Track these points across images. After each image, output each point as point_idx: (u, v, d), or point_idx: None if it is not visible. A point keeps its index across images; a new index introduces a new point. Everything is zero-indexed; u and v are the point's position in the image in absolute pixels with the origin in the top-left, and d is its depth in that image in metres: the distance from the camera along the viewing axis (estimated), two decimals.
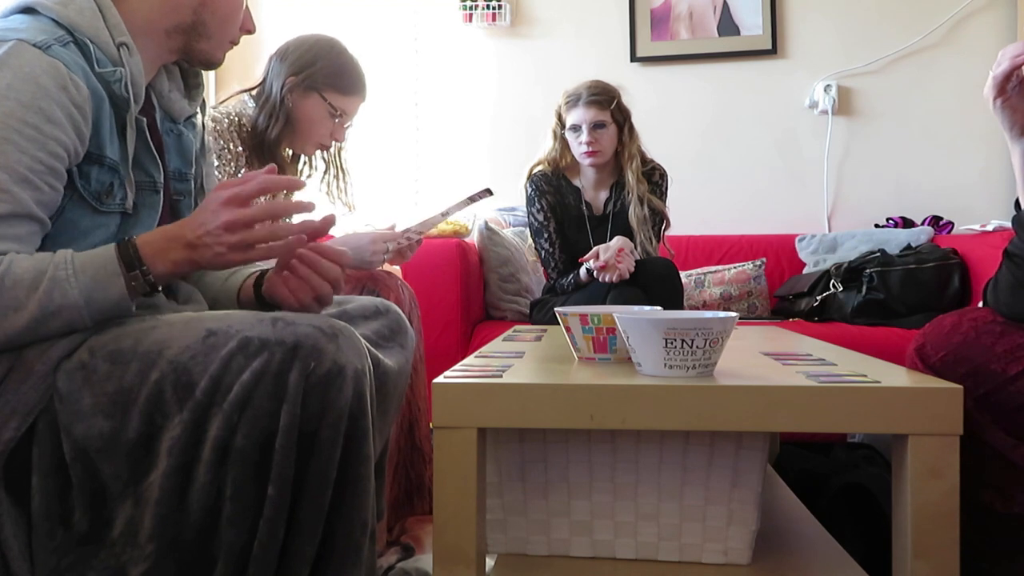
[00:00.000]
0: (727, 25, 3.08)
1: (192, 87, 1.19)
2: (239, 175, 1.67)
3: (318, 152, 1.84)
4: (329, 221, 1.03)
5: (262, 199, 1.25)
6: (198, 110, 1.21)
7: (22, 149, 0.89)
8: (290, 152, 1.80)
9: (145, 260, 0.92)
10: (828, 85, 2.99)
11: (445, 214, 1.76)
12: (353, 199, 1.90)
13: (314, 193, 1.89)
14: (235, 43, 1.16)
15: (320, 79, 1.69)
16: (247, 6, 1.16)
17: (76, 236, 0.98)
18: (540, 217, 2.30)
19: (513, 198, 2.81)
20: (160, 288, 0.97)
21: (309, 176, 1.88)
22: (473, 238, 2.59)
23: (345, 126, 1.77)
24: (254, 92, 1.75)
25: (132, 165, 1.03)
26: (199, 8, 1.08)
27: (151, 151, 1.07)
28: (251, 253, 0.95)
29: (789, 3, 3.06)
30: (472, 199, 1.75)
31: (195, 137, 1.20)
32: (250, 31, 1.17)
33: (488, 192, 1.76)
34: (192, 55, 1.12)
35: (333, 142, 1.78)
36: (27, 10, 0.98)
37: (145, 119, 1.05)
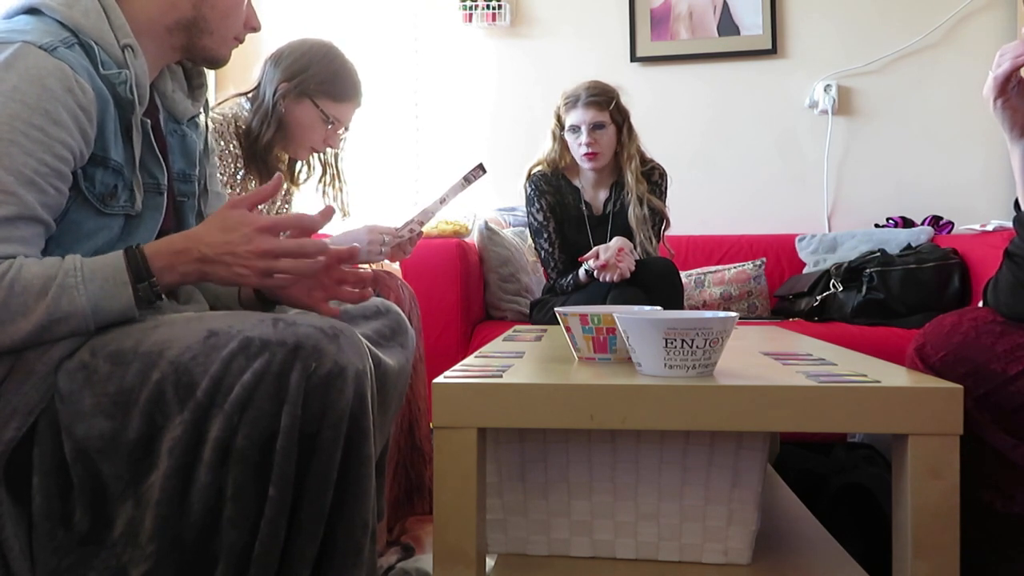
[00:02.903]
0: (727, 25, 3.08)
1: (195, 87, 1.19)
2: (238, 176, 1.68)
3: (316, 155, 1.84)
4: (327, 213, 1.03)
5: (263, 208, 1.26)
6: (201, 110, 1.21)
7: (28, 151, 0.89)
8: (286, 157, 1.80)
9: (154, 272, 0.93)
10: (828, 85, 2.99)
11: (443, 200, 1.75)
12: (349, 204, 1.90)
13: (310, 196, 1.89)
14: (240, 40, 1.15)
15: (313, 85, 1.69)
16: (250, 2, 1.15)
17: (79, 238, 0.98)
18: (540, 217, 2.31)
19: (513, 198, 2.81)
20: (164, 296, 0.97)
21: (306, 179, 1.88)
22: (473, 238, 2.59)
23: (339, 132, 1.76)
24: (249, 95, 1.74)
25: (138, 167, 1.03)
26: (199, 3, 1.07)
27: (155, 153, 1.06)
28: (268, 281, 0.97)
29: (789, 3, 3.06)
30: (467, 179, 1.72)
31: (199, 138, 1.19)
32: (255, 28, 1.16)
33: (482, 169, 1.73)
34: (195, 52, 1.11)
35: (327, 147, 1.78)
36: (31, 11, 0.98)
37: (149, 120, 1.05)
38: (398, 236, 1.75)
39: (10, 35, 0.92)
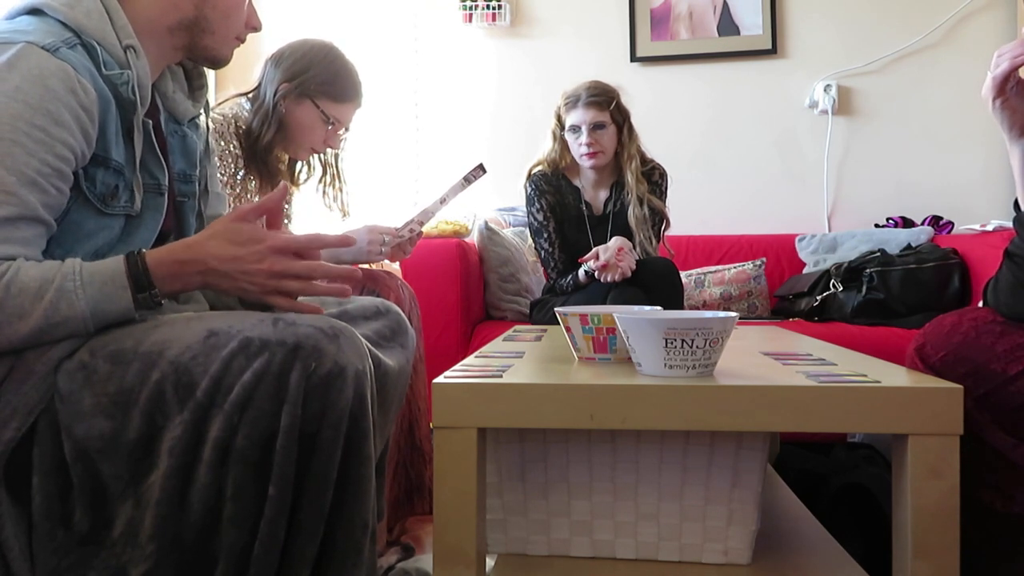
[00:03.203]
0: (727, 25, 3.08)
1: (196, 88, 1.19)
2: (238, 177, 1.67)
3: (316, 156, 1.84)
4: (347, 241, 1.04)
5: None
6: (202, 111, 1.21)
7: (30, 152, 0.89)
8: (286, 157, 1.81)
9: (155, 282, 0.93)
10: (828, 85, 2.99)
11: (443, 200, 1.74)
12: (348, 205, 1.90)
13: (310, 196, 1.89)
14: (241, 40, 1.15)
15: (313, 86, 1.69)
16: (251, 2, 1.15)
17: (80, 238, 0.98)
18: (540, 217, 2.31)
19: (513, 198, 2.81)
20: (163, 302, 0.97)
21: (306, 180, 1.88)
22: (473, 238, 2.59)
23: (339, 133, 1.76)
24: (250, 96, 1.74)
25: (138, 168, 1.03)
26: (200, 4, 1.07)
27: (156, 153, 1.07)
28: (273, 298, 0.98)
29: (789, 3, 3.06)
30: (467, 179, 1.72)
31: (199, 138, 1.19)
32: (256, 28, 1.16)
33: (482, 169, 1.72)
34: (197, 53, 1.11)
35: (328, 148, 1.78)
36: (34, 11, 0.98)
37: (150, 121, 1.05)
38: (398, 236, 1.75)
39: (13, 35, 0.92)
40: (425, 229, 1.86)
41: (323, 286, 1.02)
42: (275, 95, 1.68)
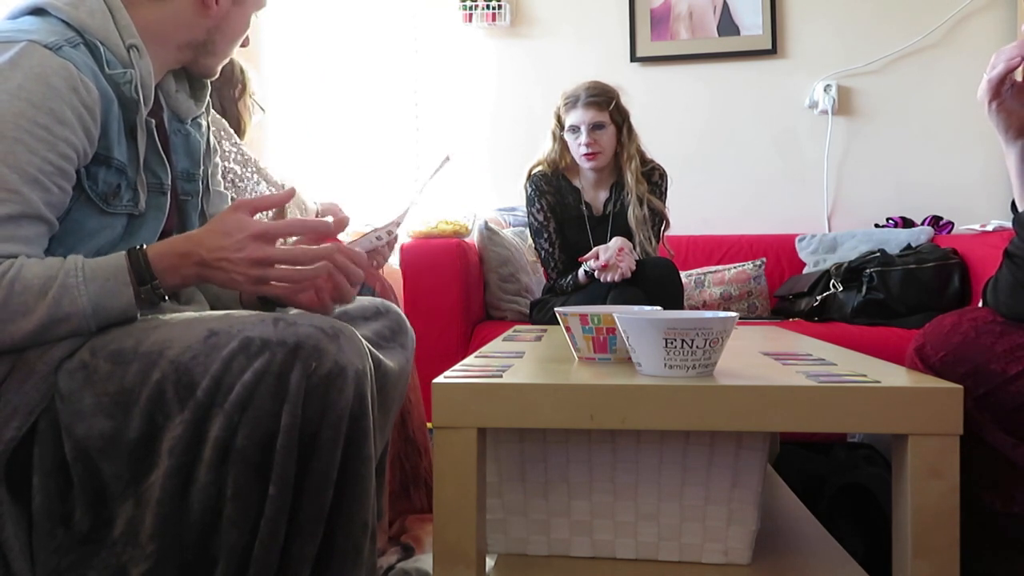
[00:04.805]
0: (727, 25, 3.08)
1: (198, 88, 1.20)
2: None
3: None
4: (342, 223, 1.03)
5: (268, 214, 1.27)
6: (204, 110, 1.21)
7: (32, 150, 0.89)
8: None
9: (156, 275, 0.93)
10: (828, 85, 2.99)
11: (413, 201, 1.72)
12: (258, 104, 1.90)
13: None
14: (230, 57, 1.20)
15: None
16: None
17: (82, 237, 0.98)
18: (540, 217, 2.31)
19: (513, 198, 2.82)
20: (167, 298, 0.97)
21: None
22: (473, 238, 2.59)
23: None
24: None
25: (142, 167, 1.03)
26: (213, 29, 1.10)
27: (159, 152, 1.07)
28: (265, 288, 0.97)
29: (789, 3, 3.06)
30: (436, 172, 1.71)
31: (202, 137, 1.20)
32: (245, 45, 1.21)
33: (447, 160, 1.71)
34: (195, 67, 1.15)
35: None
36: (37, 11, 0.98)
37: (153, 120, 1.06)
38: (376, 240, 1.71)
39: (16, 34, 0.92)
40: (424, 229, 1.84)
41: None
42: None
